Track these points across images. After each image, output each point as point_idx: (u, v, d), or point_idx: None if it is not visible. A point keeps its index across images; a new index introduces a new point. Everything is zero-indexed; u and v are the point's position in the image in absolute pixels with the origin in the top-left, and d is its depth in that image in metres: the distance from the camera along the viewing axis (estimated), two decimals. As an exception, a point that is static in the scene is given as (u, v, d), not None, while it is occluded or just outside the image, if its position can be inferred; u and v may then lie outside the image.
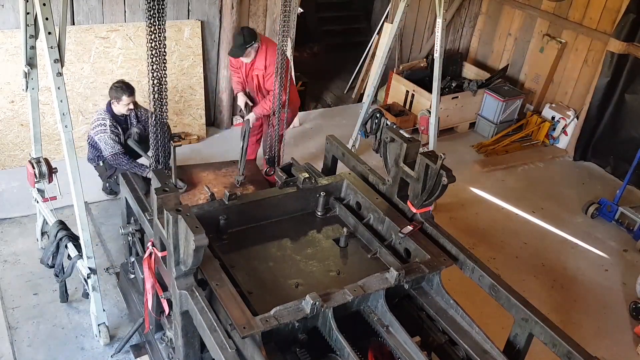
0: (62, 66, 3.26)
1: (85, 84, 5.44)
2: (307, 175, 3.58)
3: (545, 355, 3.02)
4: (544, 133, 7.07)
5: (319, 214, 3.64)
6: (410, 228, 3.25)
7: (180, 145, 4.33)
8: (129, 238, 3.52)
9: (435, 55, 5.48)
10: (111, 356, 3.70)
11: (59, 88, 3.25)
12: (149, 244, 3.00)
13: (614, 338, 4.42)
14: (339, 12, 9.49)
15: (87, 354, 3.72)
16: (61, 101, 3.27)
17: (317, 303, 2.61)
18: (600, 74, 6.45)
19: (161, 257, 2.88)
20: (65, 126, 3.30)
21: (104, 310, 3.73)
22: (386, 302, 2.89)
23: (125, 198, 3.47)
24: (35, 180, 3.83)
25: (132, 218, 3.48)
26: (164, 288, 2.97)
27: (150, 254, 2.99)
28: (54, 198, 3.96)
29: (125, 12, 5.48)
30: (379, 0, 8.33)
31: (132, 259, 3.64)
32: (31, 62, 3.76)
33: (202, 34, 5.92)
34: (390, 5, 7.12)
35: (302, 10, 6.88)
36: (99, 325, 3.76)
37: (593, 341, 4.19)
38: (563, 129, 6.99)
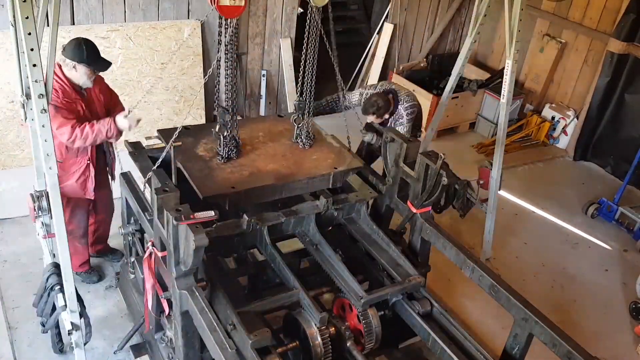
0: (48, 103, 2.77)
1: (85, 84, 5.42)
2: None
3: (545, 355, 3.02)
4: (544, 133, 7.07)
5: None
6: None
7: (180, 146, 4.31)
8: (129, 238, 3.52)
9: (502, 100, 4.56)
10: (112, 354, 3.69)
11: (43, 126, 2.74)
12: (149, 244, 3.00)
13: (614, 338, 4.43)
14: (339, 12, 9.48)
15: (87, 354, 3.70)
16: (45, 140, 2.77)
17: (253, 221, 3.11)
18: (600, 74, 6.45)
19: (161, 257, 2.88)
20: (50, 168, 2.82)
21: None
22: (317, 226, 3.38)
23: (125, 198, 3.46)
24: (36, 215, 3.37)
25: (132, 218, 3.48)
26: (164, 288, 2.98)
27: (150, 254, 2.99)
28: (53, 235, 3.34)
29: (125, 12, 5.48)
30: (379, 0, 8.33)
31: (132, 259, 3.64)
32: (28, 93, 3.17)
33: (202, 34, 5.91)
34: (390, 5, 7.12)
35: (302, 10, 6.86)
36: None
37: (593, 341, 4.18)
38: (563, 129, 6.99)
